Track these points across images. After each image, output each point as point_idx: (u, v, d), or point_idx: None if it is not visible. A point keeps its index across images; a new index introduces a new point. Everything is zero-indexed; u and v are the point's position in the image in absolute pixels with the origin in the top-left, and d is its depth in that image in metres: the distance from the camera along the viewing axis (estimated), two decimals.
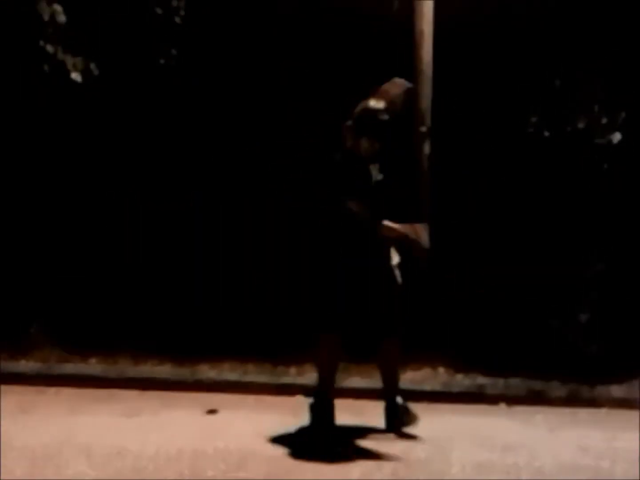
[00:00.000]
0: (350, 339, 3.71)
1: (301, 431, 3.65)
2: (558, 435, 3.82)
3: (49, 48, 5.38)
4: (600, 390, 4.66)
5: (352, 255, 3.64)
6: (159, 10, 5.62)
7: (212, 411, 4.07)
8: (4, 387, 4.36)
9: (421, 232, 3.70)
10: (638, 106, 5.78)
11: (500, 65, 5.82)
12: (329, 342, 3.66)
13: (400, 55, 5.33)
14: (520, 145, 5.90)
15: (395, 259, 3.76)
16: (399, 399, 3.76)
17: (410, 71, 5.30)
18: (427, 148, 5.40)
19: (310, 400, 3.74)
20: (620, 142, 5.81)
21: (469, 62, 5.76)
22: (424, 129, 5.39)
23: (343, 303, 3.62)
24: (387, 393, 3.77)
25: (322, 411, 3.67)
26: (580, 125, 5.81)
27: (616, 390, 4.67)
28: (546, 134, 5.88)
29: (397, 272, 3.75)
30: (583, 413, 4.35)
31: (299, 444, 3.46)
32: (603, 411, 4.45)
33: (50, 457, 3.17)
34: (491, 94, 5.86)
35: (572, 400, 4.55)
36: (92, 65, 5.52)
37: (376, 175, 3.72)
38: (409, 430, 3.68)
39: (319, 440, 3.54)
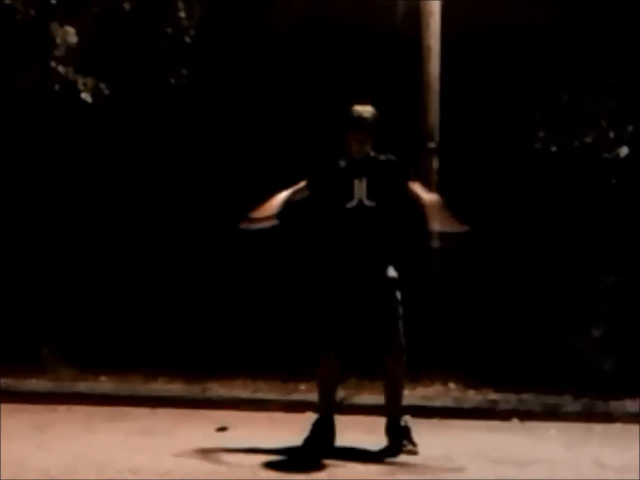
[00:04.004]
0: (356, 356, 3.64)
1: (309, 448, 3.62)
2: (575, 451, 3.77)
3: (61, 68, 5.44)
4: (615, 405, 4.62)
5: (345, 271, 3.54)
6: (169, 30, 5.68)
7: (222, 429, 4.04)
8: (17, 406, 4.37)
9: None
10: None
11: (507, 81, 5.86)
12: (324, 364, 3.59)
13: (408, 70, 5.37)
14: (528, 159, 5.91)
15: (392, 273, 3.60)
16: (406, 419, 3.63)
17: (418, 86, 5.34)
18: (435, 163, 5.40)
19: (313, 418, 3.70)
20: (627, 155, 5.82)
21: (476, 77, 5.79)
22: (432, 144, 5.39)
23: (337, 324, 3.53)
24: (389, 412, 3.64)
25: (322, 430, 3.61)
26: (588, 139, 5.83)
27: (631, 405, 4.63)
28: (553, 149, 5.89)
29: (396, 287, 3.59)
30: (598, 428, 4.31)
31: (311, 461, 3.43)
32: (618, 426, 4.41)
33: (64, 475, 3.15)
34: (499, 109, 5.88)
35: (586, 415, 4.51)
36: (102, 85, 5.58)
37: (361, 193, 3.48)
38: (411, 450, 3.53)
39: (312, 456, 3.45)
